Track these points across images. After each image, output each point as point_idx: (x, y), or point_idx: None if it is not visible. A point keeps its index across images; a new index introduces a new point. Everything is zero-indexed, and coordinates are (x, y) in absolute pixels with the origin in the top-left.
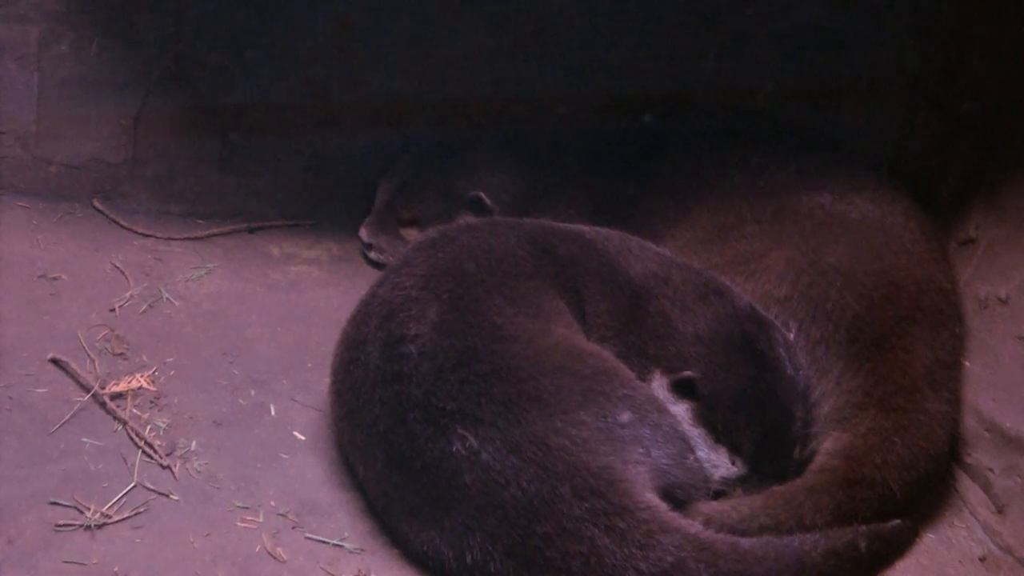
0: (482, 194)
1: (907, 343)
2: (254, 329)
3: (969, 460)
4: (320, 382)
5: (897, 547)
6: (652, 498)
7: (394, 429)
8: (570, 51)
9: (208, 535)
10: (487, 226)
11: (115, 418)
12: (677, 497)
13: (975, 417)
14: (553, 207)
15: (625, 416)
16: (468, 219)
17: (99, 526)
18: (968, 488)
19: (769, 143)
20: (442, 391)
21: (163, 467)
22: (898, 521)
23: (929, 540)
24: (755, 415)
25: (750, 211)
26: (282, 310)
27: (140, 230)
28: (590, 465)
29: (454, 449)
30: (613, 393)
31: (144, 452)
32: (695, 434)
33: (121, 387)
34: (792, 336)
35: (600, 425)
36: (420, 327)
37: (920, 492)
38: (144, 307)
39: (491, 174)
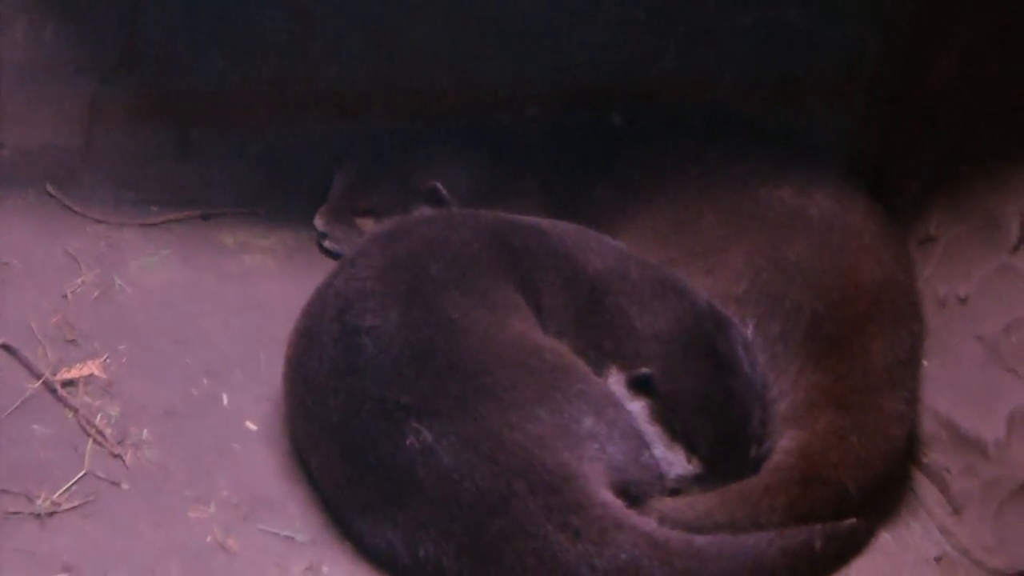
0: (439, 185)
1: (865, 342)
2: (207, 319)
3: (926, 460)
4: (273, 373)
5: (853, 546)
6: (607, 495)
7: (348, 422)
8: (529, 43)
9: (159, 526)
10: (444, 218)
11: (66, 405)
12: (632, 494)
13: (933, 417)
14: (511, 199)
15: (581, 412)
16: (425, 210)
17: (49, 514)
18: (925, 488)
19: (728, 137)
20: (397, 385)
21: (114, 456)
22: (854, 520)
23: (885, 540)
24: (712, 413)
25: (708, 205)
26: (235, 300)
27: (93, 216)
28: (545, 461)
29: (408, 443)
30: (569, 389)
31: (95, 440)
32: (651, 432)
33: (72, 374)
34: (750, 334)
35: (556, 421)
36: (376, 320)
37: (876, 491)
38: (96, 294)
39: (448, 165)
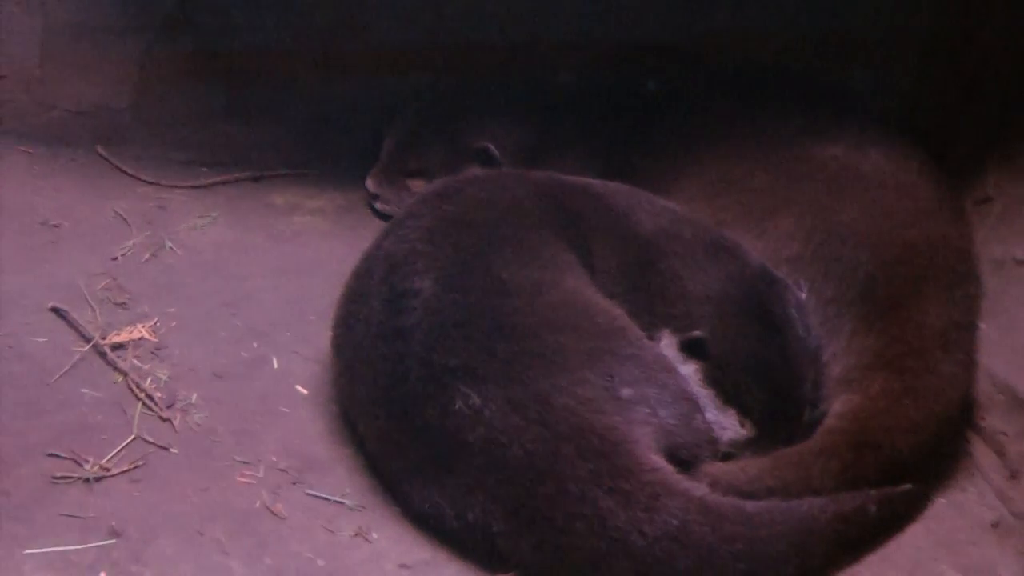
0: (490, 145)
1: (920, 304)
2: (256, 280)
3: (983, 424)
4: (323, 335)
5: (907, 512)
6: (657, 460)
7: (395, 386)
8: (579, 0)
9: (206, 490)
10: (494, 178)
11: (115, 369)
12: (683, 458)
13: (989, 380)
14: (561, 159)
15: (631, 375)
16: (475, 170)
17: (97, 479)
18: (981, 452)
19: (779, 96)
20: (444, 347)
21: (163, 420)
22: (908, 485)
23: (940, 505)
24: (765, 376)
25: (760, 165)
26: (285, 261)
27: (144, 177)
28: (594, 425)
29: (456, 407)
30: (620, 352)
31: (144, 404)
32: (704, 395)
33: (122, 337)
34: (803, 296)
35: (605, 384)
36: (424, 281)
37: (931, 456)
38: (146, 256)
39: (499, 125)
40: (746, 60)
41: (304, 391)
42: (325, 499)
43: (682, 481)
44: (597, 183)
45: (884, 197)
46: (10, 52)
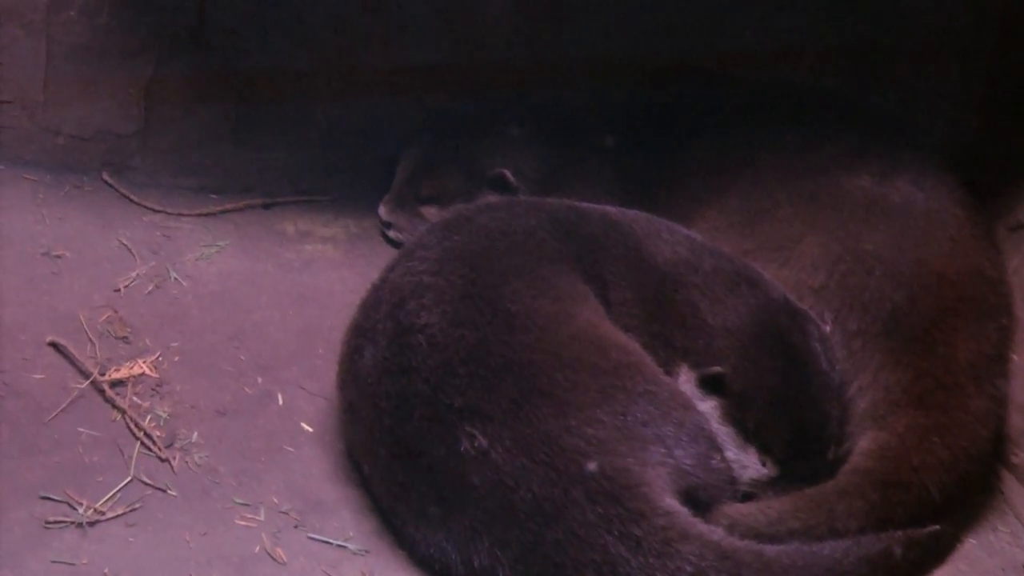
0: (505, 171)
1: (950, 336)
2: (264, 312)
3: (1015, 460)
4: (331, 369)
5: (936, 554)
6: (672, 503)
7: (400, 425)
8: (602, 18)
9: (205, 534)
10: (507, 206)
11: (114, 407)
12: (701, 500)
13: (1022, 415)
14: (580, 186)
15: (646, 414)
16: (489, 198)
17: (91, 523)
18: (1014, 490)
19: (807, 119)
20: (450, 386)
21: (161, 460)
22: (937, 526)
23: (970, 546)
24: (787, 413)
25: (784, 193)
26: (294, 291)
27: (150, 205)
28: (605, 467)
29: (462, 448)
30: (634, 389)
31: (142, 443)
32: (723, 433)
33: (122, 374)
34: (827, 329)
35: (618, 424)
36: (430, 316)
37: (961, 495)
38: (150, 287)
39: (515, 150)
40: (774, 79)
41: (309, 429)
42: (328, 543)
43: (697, 524)
44: (614, 211)
45: (913, 226)
46: (13, 76)
